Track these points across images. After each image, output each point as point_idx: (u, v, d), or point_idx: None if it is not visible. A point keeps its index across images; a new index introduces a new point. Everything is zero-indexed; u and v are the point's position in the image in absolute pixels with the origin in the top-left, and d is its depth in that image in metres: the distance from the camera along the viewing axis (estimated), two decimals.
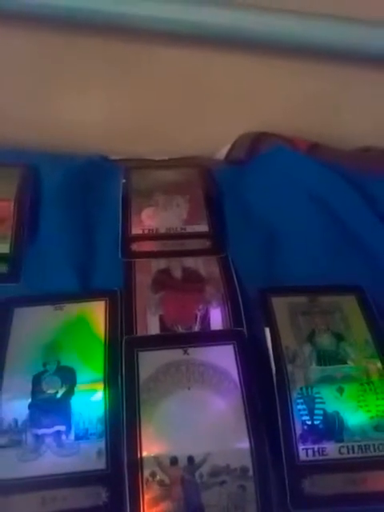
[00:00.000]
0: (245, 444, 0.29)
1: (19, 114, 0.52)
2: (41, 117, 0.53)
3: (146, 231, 0.40)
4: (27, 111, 0.52)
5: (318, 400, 0.31)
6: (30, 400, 0.30)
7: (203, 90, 0.52)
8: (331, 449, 0.30)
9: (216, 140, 0.53)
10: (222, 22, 0.46)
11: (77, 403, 0.30)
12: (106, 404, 0.30)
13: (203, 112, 0.53)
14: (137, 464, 0.28)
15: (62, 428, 0.29)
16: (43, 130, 0.51)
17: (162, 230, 0.40)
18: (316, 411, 0.31)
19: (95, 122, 0.53)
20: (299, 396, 0.31)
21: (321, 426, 0.30)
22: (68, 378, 0.31)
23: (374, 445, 0.30)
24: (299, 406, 0.31)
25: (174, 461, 0.28)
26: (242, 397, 0.30)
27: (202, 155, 0.51)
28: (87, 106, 0.53)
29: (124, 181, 0.44)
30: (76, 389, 0.31)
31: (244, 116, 0.53)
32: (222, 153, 0.52)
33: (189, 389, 0.31)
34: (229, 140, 0.52)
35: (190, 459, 0.28)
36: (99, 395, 0.31)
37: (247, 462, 0.28)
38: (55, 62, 0.50)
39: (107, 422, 0.30)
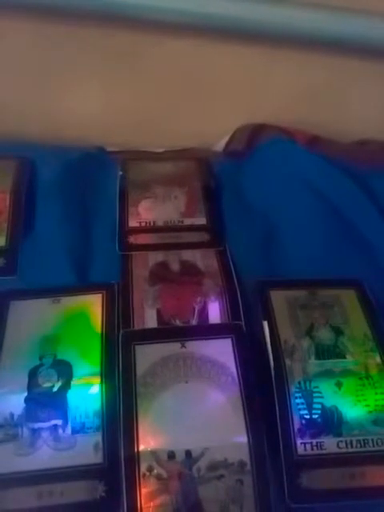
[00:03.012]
0: (243, 438, 0.29)
1: (17, 105, 0.51)
2: (39, 109, 0.52)
3: (143, 224, 0.40)
4: (25, 103, 0.52)
5: (316, 394, 0.31)
6: (26, 394, 0.30)
7: (203, 81, 0.52)
8: (329, 443, 0.30)
9: (216, 132, 0.52)
10: (223, 13, 0.46)
11: (73, 397, 0.30)
12: (102, 398, 0.30)
13: (203, 104, 0.53)
14: (134, 458, 0.28)
15: (59, 422, 0.29)
16: (42, 122, 0.51)
17: (160, 223, 0.40)
18: (314, 405, 0.31)
19: (94, 113, 0.52)
20: (297, 390, 0.31)
21: (319, 421, 0.30)
22: (64, 371, 0.31)
23: (372, 439, 0.30)
24: (297, 400, 0.31)
25: (171, 455, 0.28)
26: (240, 391, 0.30)
27: (201, 147, 0.51)
28: (86, 98, 0.52)
29: (121, 173, 0.44)
30: (72, 382, 0.31)
31: (245, 108, 0.52)
32: (220, 144, 0.52)
33: (186, 383, 0.30)
34: (229, 132, 0.52)
35: (188, 453, 0.28)
36: (96, 389, 0.30)
37: (245, 456, 0.28)
38: (54, 54, 0.50)
39: (104, 416, 0.29)
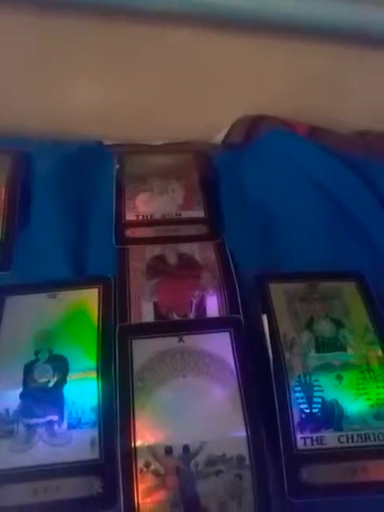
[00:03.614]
0: (241, 433, 0.28)
1: (15, 99, 0.51)
2: (38, 102, 0.52)
3: (141, 217, 0.39)
4: (24, 97, 0.51)
5: (316, 388, 0.30)
6: (21, 389, 0.30)
7: (202, 73, 0.51)
8: (330, 437, 0.29)
9: (215, 124, 0.52)
10: (221, 3, 0.45)
11: (69, 392, 0.30)
12: (99, 393, 0.30)
13: (202, 96, 0.52)
14: (131, 453, 0.28)
15: (55, 417, 0.29)
16: (40, 116, 0.51)
17: (157, 216, 0.39)
18: (314, 399, 0.30)
19: (93, 106, 0.52)
20: (297, 384, 0.30)
21: (319, 415, 0.30)
22: (60, 366, 0.31)
23: (373, 433, 0.29)
24: (297, 394, 0.30)
25: (168, 450, 0.28)
26: (239, 385, 0.30)
27: (200, 140, 0.51)
28: (85, 91, 0.52)
29: (118, 166, 0.43)
30: (68, 378, 0.30)
31: (244, 99, 0.52)
32: (219, 137, 0.51)
33: (184, 377, 0.30)
34: (228, 124, 0.51)
35: (186, 448, 0.28)
36: (92, 384, 0.30)
37: (244, 450, 0.28)
38: (53, 47, 0.49)
39: (100, 411, 0.29)
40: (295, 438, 0.29)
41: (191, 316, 0.33)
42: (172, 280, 0.35)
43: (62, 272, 0.36)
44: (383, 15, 0.45)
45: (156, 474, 0.27)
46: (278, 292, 0.35)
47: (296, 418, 0.29)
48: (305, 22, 0.46)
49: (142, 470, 0.27)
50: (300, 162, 0.43)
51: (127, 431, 0.28)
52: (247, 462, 0.28)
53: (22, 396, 0.29)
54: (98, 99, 0.52)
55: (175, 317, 0.33)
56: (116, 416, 0.29)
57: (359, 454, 0.29)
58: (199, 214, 0.40)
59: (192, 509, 0.27)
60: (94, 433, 0.28)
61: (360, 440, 0.29)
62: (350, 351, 0.32)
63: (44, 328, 0.32)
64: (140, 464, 0.27)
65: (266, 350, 0.32)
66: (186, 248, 0.37)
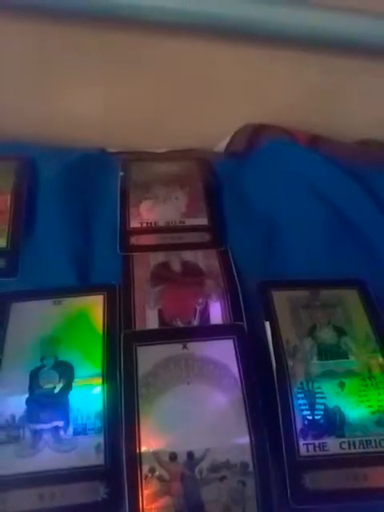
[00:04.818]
0: (245, 439, 0.29)
1: (17, 106, 0.51)
2: (40, 110, 0.52)
3: (145, 224, 0.40)
4: (26, 104, 0.52)
5: (318, 395, 0.31)
6: (27, 395, 0.30)
7: (204, 81, 0.52)
8: (332, 444, 0.29)
9: (217, 132, 0.52)
10: (223, 13, 0.46)
11: (75, 398, 0.30)
12: (104, 399, 0.30)
13: (204, 104, 0.53)
14: (136, 459, 0.28)
15: (60, 423, 0.29)
16: (42, 123, 0.51)
17: (161, 223, 0.40)
18: (317, 406, 0.30)
19: (95, 115, 0.52)
20: (300, 391, 0.31)
21: (322, 421, 0.30)
22: (66, 372, 0.31)
23: (375, 440, 0.30)
24: (300, 401, 0.30)
25: (173, 456, 0.28)
26: (242, 392, 0.30)
27: (202, 148, 0.51)
28: (87, 99, 0.52)
29: (122, 173, 0.44)
30: (74, 384, 0.30)
31: (245, 108, 0.52)
32: (221, 145, 0.52)
33: (188, 384, 0.30)
34: (230, 132, 0.52)
35: (190, 455, 0.28)
36: (97, 390, 0.30)
37: (247, 457, 0.28)
38: (54, 54, 0.50)
39: (106, 418, 0.29)
40: (298, 445, 0.29)
41: (195, 323, 0.34)
42: (176, 287, 0.35)
43: (66, 279, 0.36)
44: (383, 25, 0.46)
45: (161, 479, 0.28)
46: (280, 299, 0.35)
47: (299, 425, 0.30)
48: (306, 32, 0.47)
49: (146, 476, 0.28)
50: (302, 172, 0.44)
51: (132, 437, 0.28)
52: (251, 468, 0.28)
53: (27, 402, 0.30)
54: (100, 107, 0.53)
55: (179, 324, 0.34)
56: (121, 422, 0.29)
57: (361, 461, 0.29)
58: (202, 221, 0.40)
59: None
60: (100, 439, 0.29)
61: (362, 446, 0.30)
62: (351, 358, 0.32)
63: (49, 334, 0.33)
64: (145, 470, 0.28)
65: (269, 356, 0.32)
66: (189, 255, 0.38)
